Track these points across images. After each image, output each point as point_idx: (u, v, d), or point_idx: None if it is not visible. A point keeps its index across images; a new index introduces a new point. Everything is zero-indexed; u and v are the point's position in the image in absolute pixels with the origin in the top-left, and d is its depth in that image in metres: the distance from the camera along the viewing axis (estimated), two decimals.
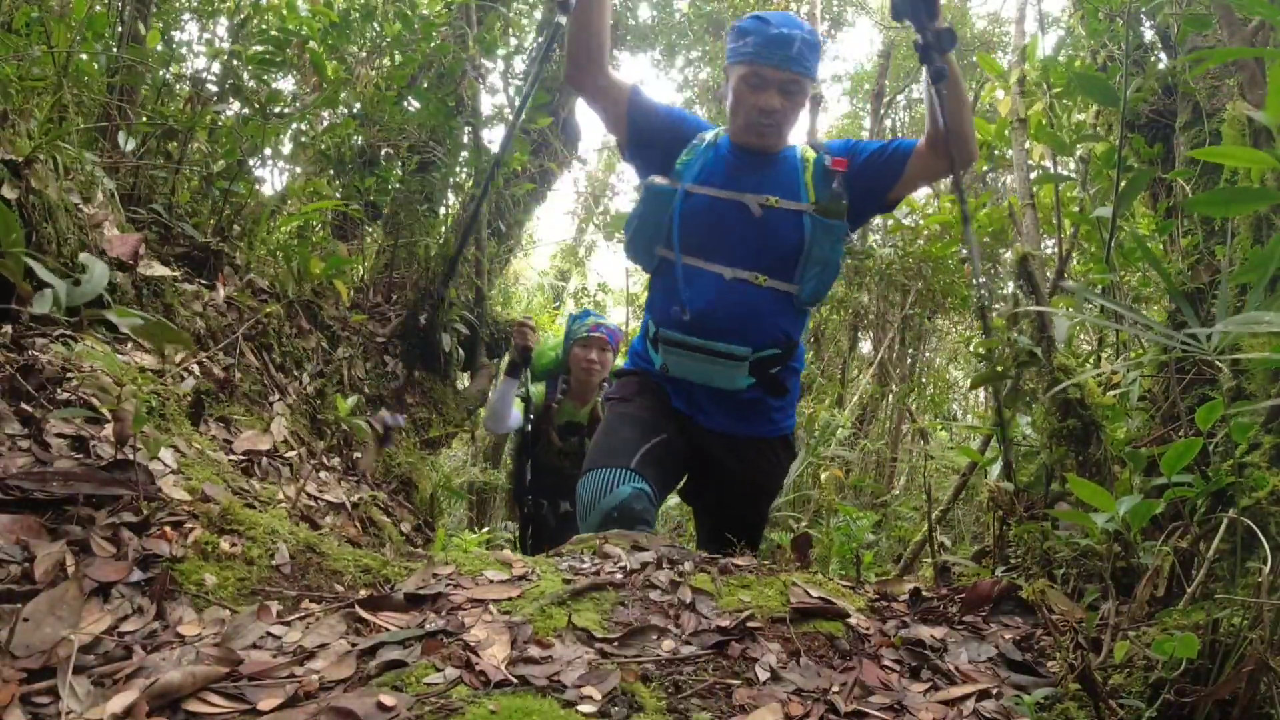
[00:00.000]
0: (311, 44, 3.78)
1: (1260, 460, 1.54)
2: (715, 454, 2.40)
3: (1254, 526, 1.29)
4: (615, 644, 1.34)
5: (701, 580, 1.62)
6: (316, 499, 2.38)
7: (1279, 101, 1.32)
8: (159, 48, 3.36)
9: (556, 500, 3.67)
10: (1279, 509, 1.41)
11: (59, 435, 1.61)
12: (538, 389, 3.74)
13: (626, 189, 13.48)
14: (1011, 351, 2.18)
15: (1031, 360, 2.17)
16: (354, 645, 1.26)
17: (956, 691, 1.28)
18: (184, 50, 3.63)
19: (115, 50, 3.02)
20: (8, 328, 1.86)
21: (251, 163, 3.37)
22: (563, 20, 2.31)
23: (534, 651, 1.27)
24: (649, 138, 2.38)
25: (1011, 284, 2.50)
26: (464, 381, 4.96)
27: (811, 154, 2.33)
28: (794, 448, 2.58)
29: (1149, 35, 3.40)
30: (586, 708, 1.11)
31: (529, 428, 3.72)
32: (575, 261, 14.17)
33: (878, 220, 6.83)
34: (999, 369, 2.23)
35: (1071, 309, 2.43)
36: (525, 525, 3.78)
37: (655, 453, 2.27)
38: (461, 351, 4.56)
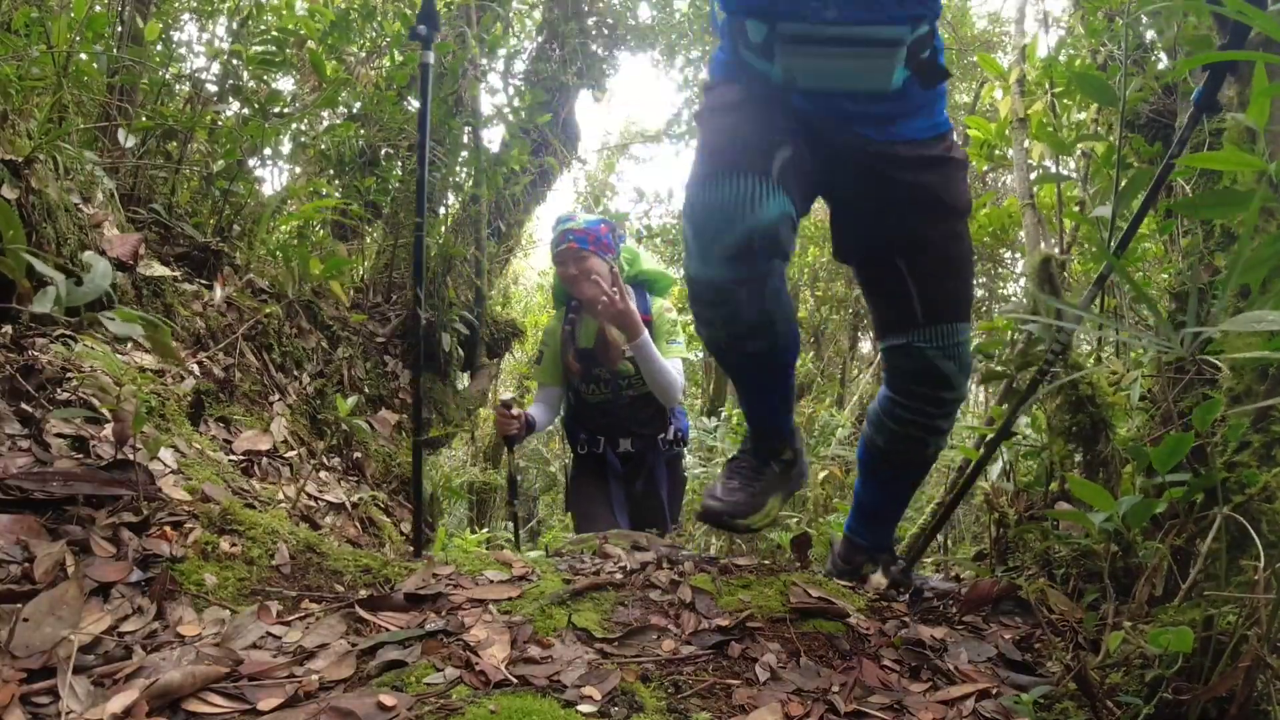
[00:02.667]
0: (311, 44, 3.79)
1: (1249, 459, 1.54)
2: (872, 175, 1.74)
3: (1245, 524, 1.29)
4: (615, 644, 1.35)
5: (701, 580, 1.62)
6: (316, 499, 2.38)
7: (1263, 103, 1.32)
8: (158, 47, 3.36)
9: (615, 438, 3.20)
10: (1270, 507, 1.41)
11: (59, 435, 1.61)
12: (554, 318, 3.29)
13: (626, 189, 13.48)
14: (1017, 353, 2.18)
15: (1041, 360, 2.16)
16: (354, 645, 1.26)
17: (956, 691, 1.28)
18: (184, 50, 3.63)
19: (115, 50, 3.02)
20: (8, 328, 1.86)
21: (251, 163, 3.37)
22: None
23: (534, 651, 1.28)
24: None
25: (1019, 286, 2.48)
26: (464, 381, 4.96)
27: None
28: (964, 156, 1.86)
29: (1149, 35, 3.40)
30: (586, 708, 1.11)
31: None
32: None
33: None
34: (1001, 368, 2.23)
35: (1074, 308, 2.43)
36: (577, 473, 3.30)
37: (792, 167, 1.64)
38: (461, 351, 4.56)
